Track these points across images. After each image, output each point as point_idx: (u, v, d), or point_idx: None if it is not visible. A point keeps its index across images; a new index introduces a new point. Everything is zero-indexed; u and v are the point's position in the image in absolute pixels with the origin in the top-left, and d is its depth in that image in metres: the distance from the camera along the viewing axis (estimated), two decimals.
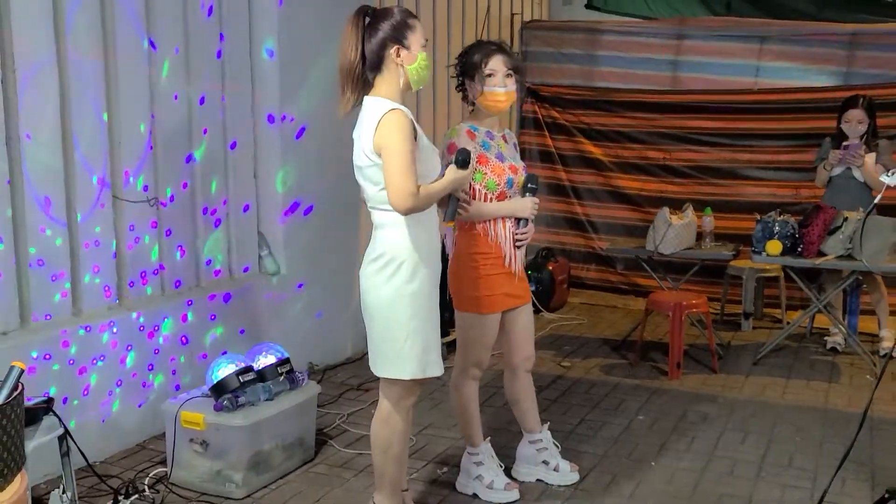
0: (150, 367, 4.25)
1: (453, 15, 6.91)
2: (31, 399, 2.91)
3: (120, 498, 3.53)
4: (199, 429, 3.64)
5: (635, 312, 6.67)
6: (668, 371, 5.33)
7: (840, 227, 5.16)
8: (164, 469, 3.82)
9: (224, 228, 4.79)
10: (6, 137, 3.61)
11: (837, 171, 5.52)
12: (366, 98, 3.01)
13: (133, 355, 4.15)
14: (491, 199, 3.48)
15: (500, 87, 3.47)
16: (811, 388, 5.11)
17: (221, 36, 4.68)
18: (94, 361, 3.95)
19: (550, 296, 6.91)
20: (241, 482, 3.64)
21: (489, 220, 3.49)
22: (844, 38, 6.61)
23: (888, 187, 3.40)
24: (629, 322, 6.48)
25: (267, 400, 3.78)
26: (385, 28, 2.95)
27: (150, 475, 3.80)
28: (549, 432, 3.86)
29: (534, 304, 5.17)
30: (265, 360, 3.94)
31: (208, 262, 4.70)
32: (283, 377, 3.91)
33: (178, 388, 4.35)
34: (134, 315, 4.16)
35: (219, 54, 4.67)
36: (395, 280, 3.00)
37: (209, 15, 4.60)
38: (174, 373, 4.38)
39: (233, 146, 4.81)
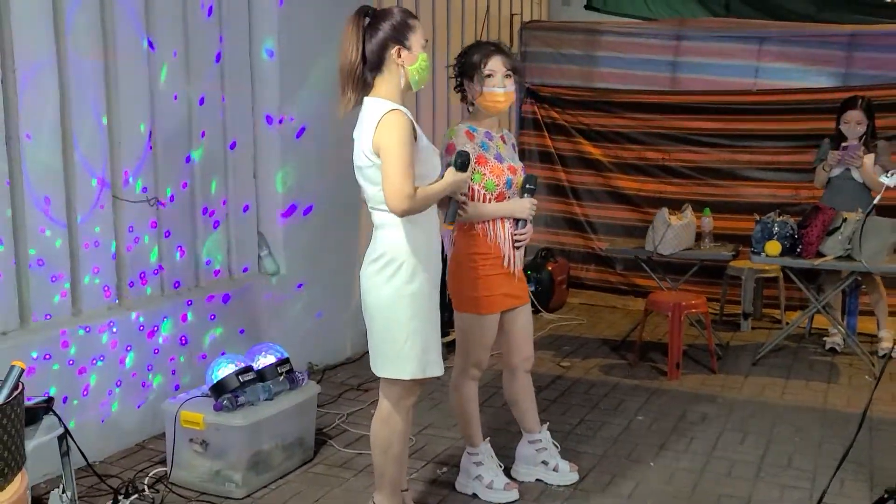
0: (150, 368, 4.25)
1: (453, 15, 6.91)
2: (31, 399, 2.91)
3: (120, 497, 3.53)
4: (198, 429, 3.65)
5: (634, 313, 6.67)
6: (668, 371, 5.33)
7: (839, 227, 5.17)
8: (164, 469, 3.82)
9: (224, 228, 4.79)
10: (6, 137, 3.61)
11: (836, 171, 5.53)
12: (366, 98, 3.01)
13: (132, 355, 4.15)
14: (490, 199, 3.49)
15: (499, 88, 3.47)
16: (810, 388, 5.11)
17: (221, 36, 4.68)
18: (94, 361, 3.95)
19: (550, 296, 6.92)
20: (240, 482, 3.64)
21: (488, 221, 3.49)
22: (843, 39, 6.62)
23: (887, 188, 3.41)
24: (628, 322, 6.49)
25: (267, 400, 3.78)
26: (386, 28, 2.95)
27: (150, 475, 3.80)
28: (548, 432, 3.87)
29: (533, 305, 5.18)
30: (265, 360, 3.94)
31: (208, 263, 4.70)
32: (282, 377, 3.91)
33: (177, 388, 4.35)
34: (133, 315, 4.16)
35: (219, 54, 4.68)
36: (395, 280, 3.01)
37: (209, 15, 4.60)
38: (174, 373, 4.38)
39: (232, 146, 4.82)
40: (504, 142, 3.64)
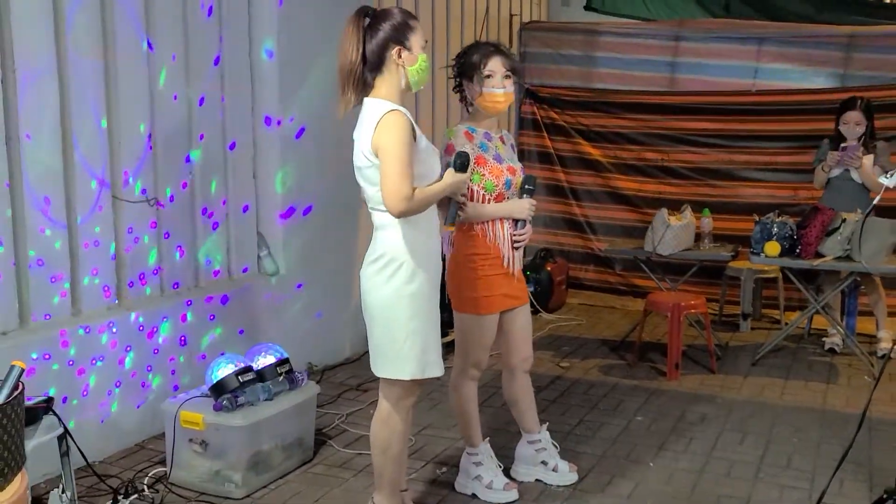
0: (149, 368, 4.25)
1: (452, 16, 6.91)
2: (31, 398, 2.91)
3: (119, 497, 3.53)
4: (198, 429, 3.65)
5: (634, 313, 6.68)
6: (667, 372, 5.33)
7: (838, 228, 5.18)
8: (164, 469, 3.82)
9: (223, 229, 4.80)
10: (6, 138, 3.61)
11: (835, 172, 5.53)
12: (366, 99, 3.01)
13: (132, 356, 4.15)
14: (489, 200, 3.49)
15: (498, 89, 3.48)
16: (809, 388, 5.12)
17: (221, 37, 4.69)
18: (94, 362, 3.95)
19: (549, 296, 6.92)
20: (240, 482, 3.64)
21: (487, 221, 3.50)
22: (842, 40, 6.62)
23: (886, 189, 3.41)
24: (628, 323, 6.49)
25: (266, 400, 3.78)
26: (386, 29, 2.95)
27: (150, 475, 3.80)
28: (547, 433, 3.87)
29: (532, 305, 5.18)
30: (264, 361, 3.94)
31: (207, 263, 4.70)
32: (282, 377, 3.91)
33: (176, 388, 4.36)
34: (133, 315, 4.16)
35: (218, 55, 4.68)
36: (394, 281, 3.01)
37: (209, 15, 4.60)
38: (173, 373, 4.39)
39: (232, 146, 4.82)
40: (503, 142, 3.64)
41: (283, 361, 3.98)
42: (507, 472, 3.77)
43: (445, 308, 3.67)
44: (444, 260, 3.40)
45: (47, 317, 3.83)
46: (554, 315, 6.88)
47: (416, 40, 2.98)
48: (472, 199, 3.44)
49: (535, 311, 6.58)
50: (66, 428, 3.01)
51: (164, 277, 4.44)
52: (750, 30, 7.04)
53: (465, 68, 3.52)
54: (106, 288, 4.11)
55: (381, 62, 2.97)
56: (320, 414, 4.39)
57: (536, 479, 3.81)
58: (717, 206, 6.52)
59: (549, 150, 7.56)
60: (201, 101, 4.57)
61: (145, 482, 3.73)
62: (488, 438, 3.76)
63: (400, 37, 2.96)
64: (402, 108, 2.95)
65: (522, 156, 7.27)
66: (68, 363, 3.83)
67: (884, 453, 4.06)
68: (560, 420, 4.55)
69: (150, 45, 4.25)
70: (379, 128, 2.90)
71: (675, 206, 6.05)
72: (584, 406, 4.82)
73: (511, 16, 7.89)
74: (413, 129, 2.95)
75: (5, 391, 2.51)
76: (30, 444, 2.76)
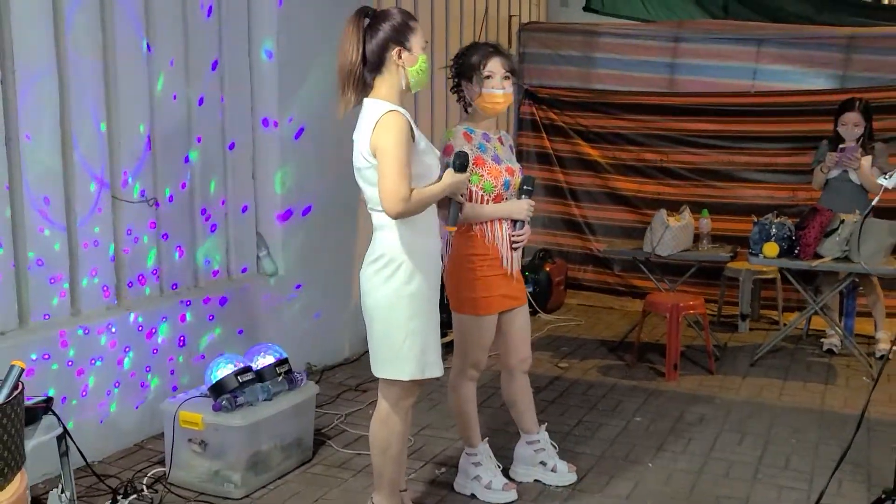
0: (148, 369, 4.25)
1: (451, 16, 6.92)
2: (31, 398, 2.91)
3: (118, 497, 3.53)
4: (197, 429, 3.65)
5: (632, 314, 6.68)
6: (665, 372, 5.34)
7: (836, 229, 5.18)
8: (163, 469, 3.82)
9: (222, 229, 4.80)
10: (6, 138, 3.62)
11: (834, 173, 5.54)
12: (365, 100, 3.01)
13: (131, 356, 4.15)
14: (487, 200, 3.49)
15: (498, 90, 3.48)
16: (808, 389, 5.12)
17: (220, 37, 4.69)
18: (93, 362, 3.95)
19: (548, 297, 6.93)
20: (239, 482, 3.64)
21: (486, 222, 3.50)
22: (841, 41, 6.63)
23: (885, 190, 3.42)
24: (626, 323, 6.49)
25: (265, 400, 3.78)
26: (386, 29, 2.95)
27: (149, 475, 3.81)
28: (546, 433, 3.87)
29: (531, 306, 5.18)
30: (264, 361, 3.94)
31: (206, 263, 4.70)
32: (281, 377, 3.91)
33: (175, 388, 4.36)
34: (132, 316, 4.16)
35: (217, 55, 4.68)
36: (393, 281, 3.01)
37: (208, 16, 4.60)
38: (172, 373, 4.39)
39: (231, 147, 4.82)
40: (502, 143, 3.64)
41: (282, 362, 3.98)
42: (506, 473, 3.77)
43: (444, 308, 3.68)
44: (443, 260, 3.40)
45: (46, 317, 3.84)
46: (552, 316, 6.89)
47: (416, 41, 2.99)
48: (470, 200, 3.44)
49: (533, 312, 6.59)
50: (65, 428, 3.01)
51: (164, 278, 4.44)
52: (749, 31, 7.04)
53: (464, 69, 3.52)
54: (105, 288, 4.11)
55: (381, 63, 2.98)
56: (319, 414, 4.39)
57: (535, 480, 3.81)
58: (716, 206, 6.52)
59: (547, 150, 7.56)
60: (201, 101, 4.58)
61: (144, 482, 3.73)
62: (487, 439, 3.76)
63: (400, 37, 2.96)
64: (400, 109, 2.95)
65: (521, 156, 7.28)
66: (67, 363, 3.83)
67: (882, 454, 4.06)
68: (559, 420, 4.55)
69: (149, 45, 4.25)
70: (377, 128, 2.90)
71: (673, 207, 6.06)
72: (582, 406, 4.82)
73: (510, 16, 7.89)
74: (412, 130, 2.95)
75: (5, 391, 2.51)
76: (29, 444, 2.76)
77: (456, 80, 3.58)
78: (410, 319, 3.03)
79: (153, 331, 4.27)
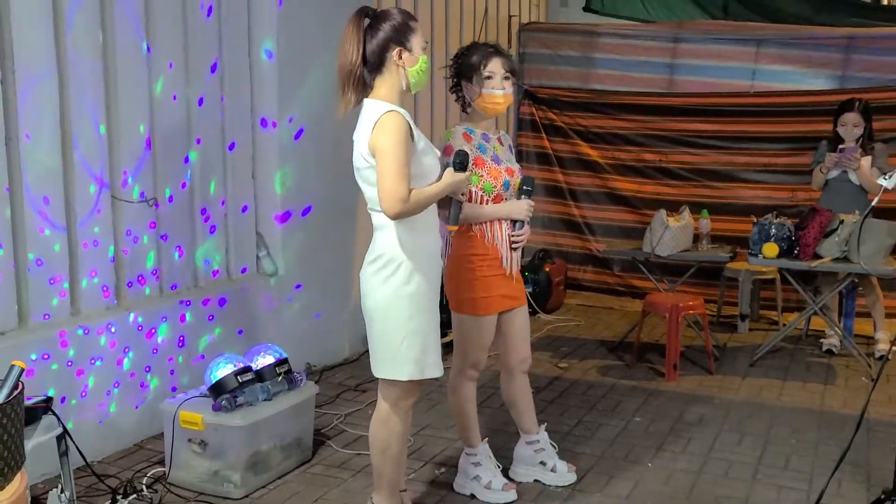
0: (148, 369, 4.25)
1: (451, 16, 6.92)
2: (31, 398, 2.91)
3: (118, 497, 3.53)
4: (197, 429, 3.65)
5: (632, 314, 6.68)
6: (665, 372, 5.34)
7: (836, 229, 5.18)
8: (163, 469, 3.82)
9: (222, 229, 4.80)
10: (6, 138, 3.62)
11: (833, 174, 5.54)
12: (365, 100, 3.01)
13: (131, 356, 4.15)
14: (487, 201, 3.49)
15: (498, 90, 3.48)
16: (807, 389, 5.13)
17: (220, 37, 4.69)
18: (92, 362, 3.95)
19: (547, 297, 6.93)
20: (239, 482, 3.64)
21: (485, 222, 3.50)
22: (840, 41, 6.63)
23: (885, 190, 3.42)
24: (626, 324, 6.50)
25: (265, 400, 3.78)
26: (387, 29, 2.95)
27: (148, 475, 3.81)
28: (546, 433, 3.87)
29: (530, 306, 5.18)
30: (263, 361, 3.94)
31: (206, 263, 4.70)
32: (281, 377, 3.91)
33: (174, 388, 4.36)
34: (132, 316, 4.16)
35: (217, 55, 4.68)
36: (392, 281, 3.01)
37: (208, 16, 4.60)
38: (172, 373, 4.39)
39: (231, 147, 4.82)
40: (501, 143, 3.64)
41: (281, 362, 3.98)
42: (505, 473, 3.77)
43: (444, 309, 3.68)
44: (442, 260, 3.40)
45: (46, 317, 3.84)
46: (552, 316, 6.89)
47: (416, 41, 2.99)
48: (470, 200, 3.44)
49: (533, 312, 6.59)
50: (64, 428, 3.01)
51: (163, 278, 4.44)
52: (748, 31, 7.05)
53: (465, 69, 3.52)
54: (105, 288, 4.11)
55: (382, 63, 2.98)
56: (319, 414, 4.39)
57: (535, 480, 3.82)
58: (716, 207, 6.52)
59: (547, 150, 7.56)
60: (200, 101, 4.58)
61: (144, 482, 3.73)
62: (487, 439, 3.76)
63: (401, 38, 2.96)
64: (400, 109, 2.95)
65: (521, 157, 7.28)
66: (67, 363, 3.83)
67: (882, 454, 4.06)
68: (558, 420, 4.55)
69: (149, 45, 4.25)
70: (376, 129, 2.90)
71: (673, 207, 6.06)
72: (582, 407, 4.83)
73: (510, 16, 7.89)
74: (411, 130, 2.95)
75: (5, 391, 2.52)
76: (29, 444, 2.76)
77: (455, 79, 3.58)
78: (410, 320, 3.03)
79: (153, 331, 4.27)
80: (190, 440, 3.67)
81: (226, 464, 3.64)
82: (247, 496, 3.66)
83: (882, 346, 5.59)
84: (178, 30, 4.41)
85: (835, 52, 6.62)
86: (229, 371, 3.75)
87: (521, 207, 3.52)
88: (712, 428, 4.48)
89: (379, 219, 3.04)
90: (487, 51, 3.51)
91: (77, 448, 3.12)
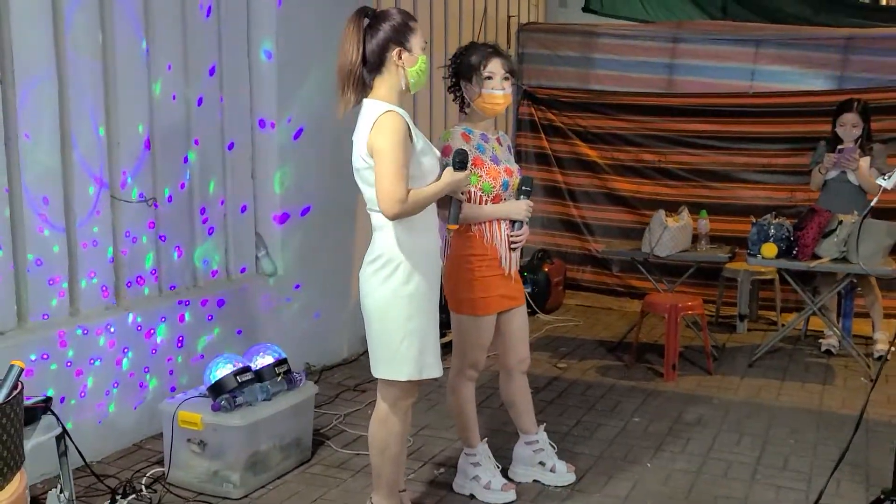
0: (147, 369, 4.25)
1: (450, 16, 6.92)
2: (30, 398, 2.91)
3: (117, 497, 3.53)
4: (196, 429, 3.65)
5: (631, 314, 6.69)
6: (664, 373, 5.34)
7: (835, 230, 5.19)
8: (162, 469, 3.82)
9: (221, 229, 4.80)
10: (5, 138, 3.62)
11: (832, 174, 5.55)
12: (365, 100, 3.01)
13: (130, 356, 4.15)
14: (486, 201, 3.49)
15: (498, 90, 3.48)
16: (806, 390, 5.13)
17: (219, 37, 4.69)
18: (92, 362, 3.95)
19: (546, 297, 6.93)
20: (238, 482, 3.64)
21: (484, 223, 3.50)
22: (839, 42, 6.64)
23: (884, 191, 3.42)
24: (625, 324, 6.50)
25: (264, 400, 3.78)
26: (386, 29, 2.95)
27: (148, 475, 3.81)
28: (545, 433, 3.88)
29: (529, 306, 5.18)
30: (263, 361, 3.94)
31: (205, 263, 4.70)
32: (280, 377, 3.91)
33: (174, 388, 4.35)
34: (131, 316, 4.16)
35: (217, 56, 4.68)
36: (391, 281, 3.01)
37: (207, 16, 4.60)
38: (171, 373, 4.39)
39: (230, 147, 4.82)
40: (500, 144, 3.65)
41: (281, 362, 3.98)
42: (504, 473, 3.77)
43: (444, 309, 3.69)
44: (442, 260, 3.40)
45: (45, 317, 3.83)
46: (551, 316, 6.89)
47: (416, 42, 2.99)
48: (469, 201, 3.44)
49: (532, 312, 6.59)
50: (64, 428, 3.01)
51: (162, 278, 4.44)
52: (747, 32, 7.05)
53: (464, 69, 3.52)
54: (104, 288, 4.11)
55: (381, 63, 2.98)
56: (318, 414, 4.39)
57: (534, 480, 3.82)
58: (715, 207, 6.53)
59: (546, 151, 7.57)
60: (200, 101, 4.58)
61: (143, 482, 3.73)
62: (486, 439, 3.76)
63: (400, 38, 2.96)
64: (399, 109, 2.95)
65: (520, 157, 7.28)
66: (66, 364, 3.83)
67: (880, 454, 4.06)
68: (557, 421, 4.56)
69: (148, 45, 4.25)
70: (374, 129, 2.90)
71: (672, 208, 6.07)
72: (581, 407, 4.83)
73: (509, 17, 7.89)
74: (409, 130, 2.95)
75: (4, 391, 2.51)
76: (28, 444, 2.76)
77: (453, 79, 3.58)
78: (409, 320, 3.03)
79: (152, 331, 4.27)
80: (189, 440, 3.67)
81: (225, 464, 3.64)
82: (246, 496, 3.66)
83: (881, 347, 5.60)
84: (178, 30, 4.41)
85: (833, 52, 6.63)
86: (228, 371, 3.75)
87: (520, 208, 3.52)
88: (711, 428, 4.49)
89: (378, 219, 3.04)
90: (487, 51, 3.51)
91: (76, 448, 3.12)
